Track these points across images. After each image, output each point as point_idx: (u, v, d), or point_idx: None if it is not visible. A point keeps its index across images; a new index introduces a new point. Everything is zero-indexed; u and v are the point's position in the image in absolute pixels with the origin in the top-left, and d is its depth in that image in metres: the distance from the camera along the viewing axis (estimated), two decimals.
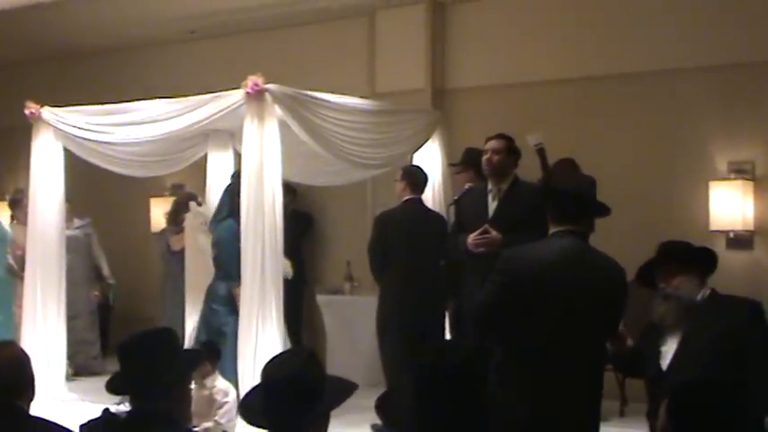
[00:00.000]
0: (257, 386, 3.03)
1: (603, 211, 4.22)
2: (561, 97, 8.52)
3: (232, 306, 7.13)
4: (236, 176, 7.24)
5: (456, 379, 2.66)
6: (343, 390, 3.06)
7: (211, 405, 6.30)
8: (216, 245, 7.42)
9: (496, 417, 2.72)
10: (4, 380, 3.78)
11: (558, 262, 4.02)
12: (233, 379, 6.60)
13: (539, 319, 3.99)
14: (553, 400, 4.01)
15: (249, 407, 3.08)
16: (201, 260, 7.78)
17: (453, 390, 2.63)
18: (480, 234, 5.86)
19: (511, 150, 6.08)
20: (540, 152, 6.50)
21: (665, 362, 4.30)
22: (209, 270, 7.51)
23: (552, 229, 4.14)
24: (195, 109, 7.19)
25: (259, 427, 2.99)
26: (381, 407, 2.86)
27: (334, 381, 3.08)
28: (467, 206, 6.26)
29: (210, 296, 7.36)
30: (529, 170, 6.17)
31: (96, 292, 9.55)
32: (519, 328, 4.02)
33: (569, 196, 4.17)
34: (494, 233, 5.83)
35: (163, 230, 8.39)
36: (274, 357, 3.08)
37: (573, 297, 3.99)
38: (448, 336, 6.92)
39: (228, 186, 7.51)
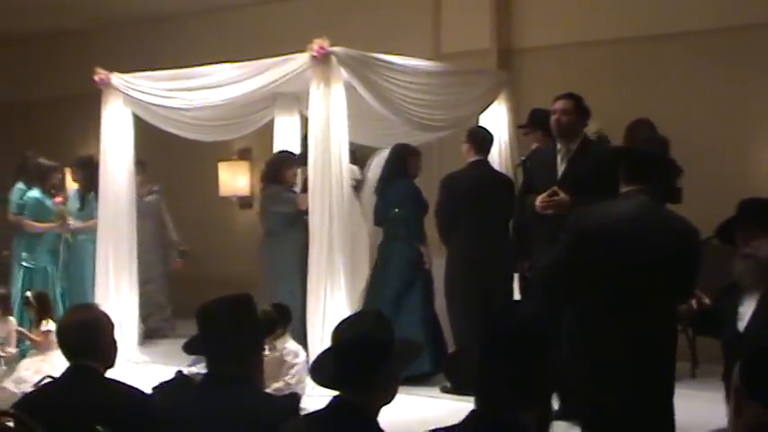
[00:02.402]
0: (328, 349, 3.06)
1: (675, 170, 4.17)
2: (633, 55, 8.36)
3: (414, 267, 7.29)
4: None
5: (521, 338, 2.65)
6: (410, 351, 3.08)
7: (281, 366, 6.36)
8: (397, 205, 7.45)
9: (564, 375, 2.71)
10: (76, 341, 3.88)
11: (628, 220, 3.98)
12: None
13: (608, 276, 3.96)
14: (624, 357, 3.99)
15: (320, 369, 3.12)
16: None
17: (518, 349, 2.63)
18: (548, 196, 5.81)
19: (579, 110, 6.00)
20: (600, 140, 6.48)
21: (743, 323, 4.24)
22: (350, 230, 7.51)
23: (623, 189, 4.09)
24: (261, 73, 7.21)
25: (329, 388, 3.03)
26: (449, 368, 2.87)
27: (402, 342, 3.10)
28: (535, 167, 6.21)
29: (388, 258, 7.43)
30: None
31: (178, 258, 9.70)
32: (589, 286, 4.00)
33: (640, 155, 4.12)
34: (562, 195, 5.77)
35: (262, 189, 8.15)
36: (344, 320, 3.11)
37: (643, 255, 3.95)
38: (517, 297, 6.88)
39: (395, 146, 7.60)
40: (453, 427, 2.69)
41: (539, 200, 5.85)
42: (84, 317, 4.02)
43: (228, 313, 3.51)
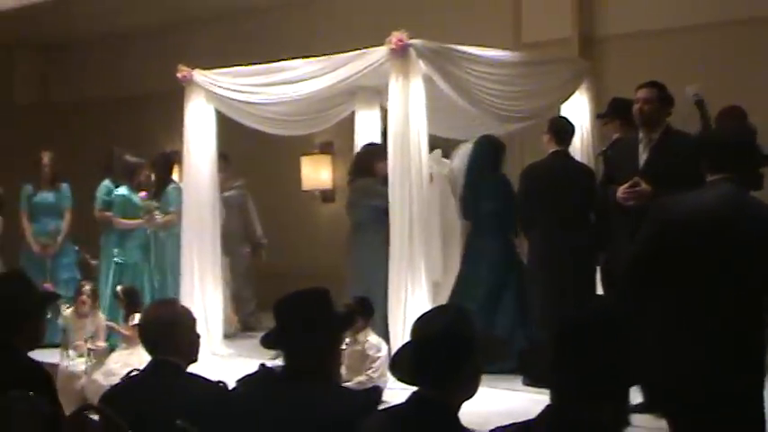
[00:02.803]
0: (407, 343, 3.04)
1: (761, 157, 4.05)
2: (720, 41, 8.15)
3: (509, 262, 7.31)
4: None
5: (595, 331, 2.60)
6: (494, 347, 3.04)
7: (364, 360, 6.39)
8: (490, 198, 7.45)
9: (643, 369, 2.67)
10: (155, 337, 3.94)
11: (713, 210, 3.88)
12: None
13: (692, 271, 3.87)
14: (709, 356, 3.90)
15: (399, 364, 3.10)
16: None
17: (592, 343, 2.58)
18: (630, 186, 5.71)
19: (663, 99, 5.88)
20: (699, 104, 6.30)
21: None
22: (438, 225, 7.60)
23: (709, 178, 3.99)
24: (340, 67, 7.23)
25: (409, 384, 3.01)
26: (524, 363, 2.84)
27: (485, 338, 3.07)
28: (616, 157, 6.10)
29: (480, 253, 7.42)
30: (684, 121, 5.96)
31: (248, 250, 9.77)
32: (671, 281, 3.91)
33: (725, 143, 4.02)
34: (644, 186, 5.66)
35: (351, 182, 8.14)
36: (424, 314, 3.09)
37: (729, 248, 3.85)
38: (600, 291, 6.79)
39: (485, 139, 7.60)
40: (528, 421, 2.66)
41: (620, 191, 5.75)
42: (161, 313, 4.10)
43: (305, 308, 3.53)
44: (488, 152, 7.54)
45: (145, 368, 3.99)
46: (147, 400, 3.73)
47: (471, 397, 2.99)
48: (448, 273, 7.79)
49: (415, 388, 2.99)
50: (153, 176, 9.14)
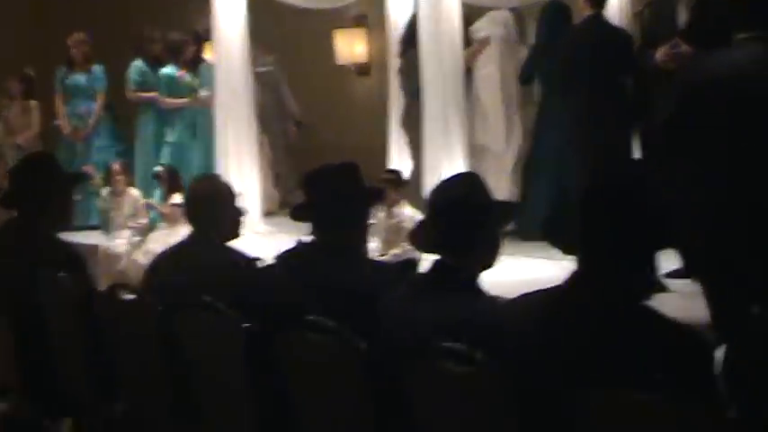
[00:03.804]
0: (426, 213, 3.03)
1: None
2: None
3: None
4: None
5: (621, 195, 2.55)
6: (509, 210, 3.05)
7: (400, 232, 6.39)
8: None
9: (672, 237, 2.62)
10: (195, 211, 3.98)
11: (743, 69, 3.74)
12: None
13: (724, 131, 3.76)
14: (744, 215, 3.84)
15: (418, 233, 3.11)
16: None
17: (618, 206, 2.53)
18: (670, 48, 5.52)
19: None
20: None
21: None
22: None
23: (738, 36, 3.83)
24: None
25: (427, 252, 3.04)
26: (549, 230, 2.80)
27: (500, 203, 3.07)
28: (653, 17, 5.92)
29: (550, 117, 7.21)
30: None
31: (284, 128, 9.72)
32: (705, 141, 3.82)
33: None
34: (684, 47, 5.47)
35: (403, 52, 7.85)
36: (440, 183, 3.07)
37: (761, 107, 3.73)
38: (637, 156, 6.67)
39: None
40: (555, 288, 2.62)
41: (660, 53, 5.57)
42: (201, 188, 4.15)
43: (332, 181, 3.54)
44: (559, 16, 7.27)
45: (183, 241, 4.05)
46: (184, 273, 3.79)
47: (491, 265, 2.99)
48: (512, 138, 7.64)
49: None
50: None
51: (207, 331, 3.40)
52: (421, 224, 3.14)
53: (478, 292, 2.94)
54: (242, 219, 4.14)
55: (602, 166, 5.15)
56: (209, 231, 3.94)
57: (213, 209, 3.97)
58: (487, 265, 2.98)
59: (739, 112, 3.78)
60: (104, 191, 7.81)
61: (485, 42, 7.59)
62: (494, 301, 2.94)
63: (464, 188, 2.98)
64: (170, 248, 4.19)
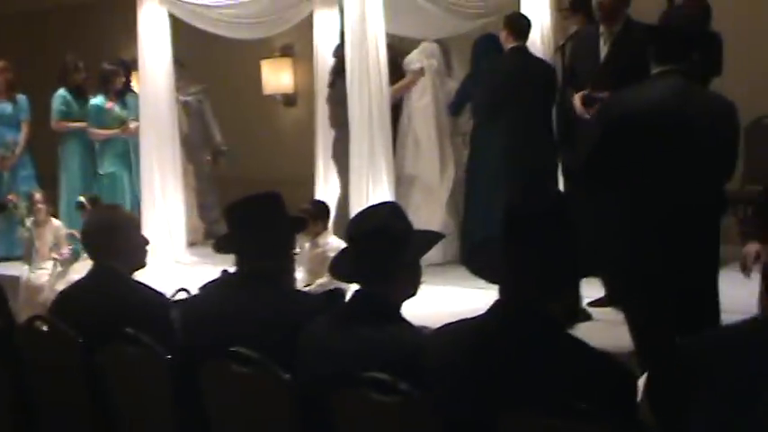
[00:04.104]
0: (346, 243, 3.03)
1: (711, 44, 4.00)
2: None
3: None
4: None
5: (543, 221, 2.56)
6: (429, 239, 3.05)
7: (325, 262, 6.35)
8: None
9: (597, 261, 2.64)
10: (93, 241, 3.90)
11: (661, 102, 3.84)
12: None
13: (646, 162, 3.85)
14: (668, 241, 3.91)
15: (339, 262, 3.11)
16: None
17: (540, 233, 2.54)
18: (582, 103, 5.58)
19: None
20: None
21: None
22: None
23: (655, 70, 3.93)
24: None
25: (348, 281, 3.08)
26: (471, 258, 2.81)
27: (421, 233, 3.07)
28: (576, 51, 6.01)
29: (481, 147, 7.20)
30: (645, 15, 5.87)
31: (208, 158, 9.67)
32: (627, 173, 3.89)
33: (671, 30, 3.96)
34: (599, 95, 5.49)
35: (333, 83, 7.96)
36: (360, 212, 3.08)
37: (681, 138, 3.82)
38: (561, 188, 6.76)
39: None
40: (478, 317, 2.63)
41: (577, 101, 5.65)
42: (101, 218, 4.06)
43: (255, 211, 3.50)
44: (492, 47, 7.27)
45: (86, 274, 3.95)
46: (89, 306, 3.70)
47: (413, 294, 3.00)
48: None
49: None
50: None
51: (130, 364, 3.35)
52: (341, 254, 3.13)
53: (400, 321, 2.93)
54: (146, 247, 3.99)
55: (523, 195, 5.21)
56: (108, 261, 3.83)
57: (113, 238, 3.84)
58: (409, 294, 2.99)
59: (660, 145, 3.87)
60: (28, 221, 7.67)
61: (419, 74, 7.67)
62: (417, 330, 2.93)
63: (383, 217, 2.97)
64: (72, 286, 4.10)
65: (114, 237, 3.84)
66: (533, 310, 2.52)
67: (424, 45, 7.83)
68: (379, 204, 3.57)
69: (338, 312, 3.03)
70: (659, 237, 3.98)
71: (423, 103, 7.70)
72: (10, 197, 8.11)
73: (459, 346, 2.60)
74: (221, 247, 3.67)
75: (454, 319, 2.77)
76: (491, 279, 2.66)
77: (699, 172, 3.93)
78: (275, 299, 3.32)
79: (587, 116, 5.49)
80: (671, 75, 3.91)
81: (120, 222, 3.97)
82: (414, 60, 7.78)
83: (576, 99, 5.66)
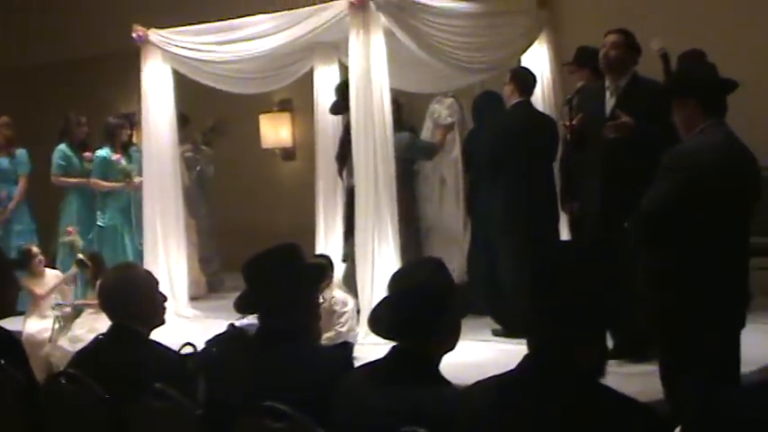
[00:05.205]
0: (385, 298, 3.02)
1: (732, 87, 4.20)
2: None
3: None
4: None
5: (569, 273, 2.55)
6: (466, 296, 3.04)
7: (331, 316, 6.36)
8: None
9: (624, 311, 2.65)
10: (112, 302, 3.87)
11: (729, 151, 4.01)
12: None
13: (726, 214, 3.98)
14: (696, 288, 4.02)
15: (378, 319, 3.05)
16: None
17: (567, 284, 2.52)
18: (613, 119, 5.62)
19: (630, 45, 5.81)
20: (664, 57, 6.31)
21: None
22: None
23: (702, 125, 4.06)
24: (298, 23, 7.15)
25: (387, 338, 2.98)
26: (498, 312, 2.83)
27: (462, 290, 3.05)
28: (581, 105, 6.06)
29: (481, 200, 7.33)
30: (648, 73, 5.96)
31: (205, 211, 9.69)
32: (699, 226, 3.99)
33: (717, 87, 4.12)
34: (625, 117, 5.56)
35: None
36: (402, 268, 3.07)
37: (742, 188, 4.00)
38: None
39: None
40: (507, 373, 2.61)
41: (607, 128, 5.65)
42: (119, 277, 4.00)
43: (274, 264, 3.46)
44: (492, 104, 7.42)
45: (105, 333, 3.92)
46: (105, 365, 3.68)
47: (452, 349, 2.98)
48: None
49: (393, 343, 2.97)
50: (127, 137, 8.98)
51: (158, 420, 3.33)
52: (379, 310, 3.08)
53: (438, 379, 2.91)
54: (164, 304, 3.97)
55: (531, 249, 5.28)
56: (126, 321, 3.81)
57: (130, 298, 3.82)
58: (448, 349, 2.97)
59: (735, 192, 4.05)
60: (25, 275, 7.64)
61: (450, 128, 7.95)
62: (454, 388, 2.90)
63: (428, 273, 2.95)
64: (91, 345, 4.06)
65: (133, 297, 3.81)
66: (565, 364, 2.50)
67: (448, 100, 8.10)
68: (422, 261, 3.53)
69: (376, 368, 2.99)
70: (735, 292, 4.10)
71: (453, 156, 7.99)
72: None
73: (492, 405, 2.57)
74: (242, 306, 3.58)
75: (478, 373, 2.77)
76: (518, 334, 2.66)
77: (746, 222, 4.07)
78: (301, 355, 3.29)
79: (611, 135, 5.54)
80: (722, 125, 4.08)
81: (138, 281, 3.93)
82: (444, 115, 7.95)
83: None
